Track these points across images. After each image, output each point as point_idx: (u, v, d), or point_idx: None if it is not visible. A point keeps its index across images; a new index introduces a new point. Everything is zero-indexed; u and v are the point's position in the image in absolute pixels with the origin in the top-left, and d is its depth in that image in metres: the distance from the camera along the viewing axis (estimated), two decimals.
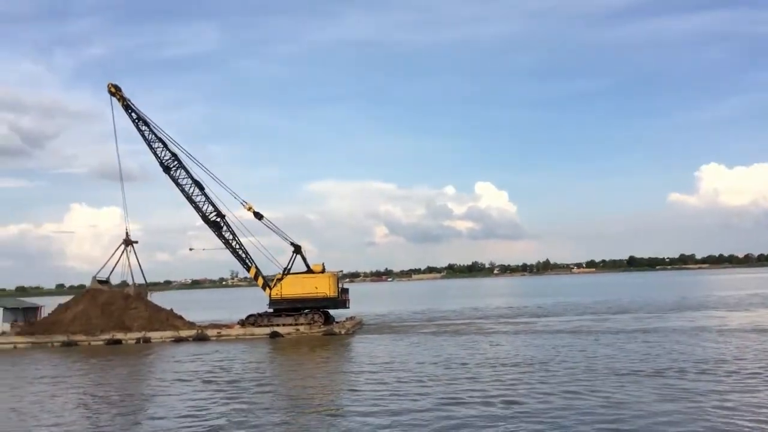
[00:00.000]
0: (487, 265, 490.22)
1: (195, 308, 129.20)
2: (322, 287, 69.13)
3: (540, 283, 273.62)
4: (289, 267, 70.85)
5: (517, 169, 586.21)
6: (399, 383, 34.73)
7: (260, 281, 71.15)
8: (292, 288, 69.03)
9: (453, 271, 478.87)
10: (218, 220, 70.57)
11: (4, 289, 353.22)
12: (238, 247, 70.89)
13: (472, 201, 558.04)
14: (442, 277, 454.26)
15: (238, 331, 66.84)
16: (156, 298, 75.49)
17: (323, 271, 70.97)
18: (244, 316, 70.90)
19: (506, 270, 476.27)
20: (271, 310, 69.50)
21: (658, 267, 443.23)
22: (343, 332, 65.71)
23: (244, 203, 71.13)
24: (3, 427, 28.69)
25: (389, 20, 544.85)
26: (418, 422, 25.80)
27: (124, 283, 74.17)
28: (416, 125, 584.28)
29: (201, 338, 64.40)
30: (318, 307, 69.03)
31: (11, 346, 64.15)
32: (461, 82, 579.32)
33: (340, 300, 70.98)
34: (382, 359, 45.08)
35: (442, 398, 30.09)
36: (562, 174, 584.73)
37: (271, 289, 69.75)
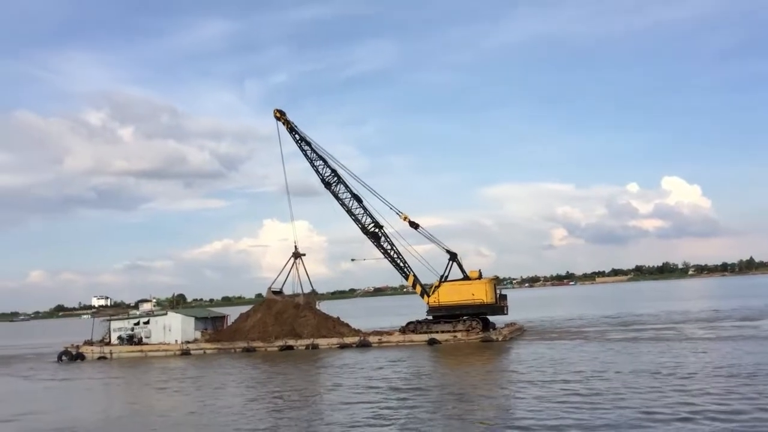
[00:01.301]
0: (680, 266, 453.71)
1: (369, 315, 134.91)
2: (479, 294, 69.26)
3: (744, 283, 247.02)
4: (445, 274, 71.89)
5: (711, 160, 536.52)
6: (594, 394, 32.43)
7: (418, 289, 72.89)
8: (448, 295, 69.95)
9: (641, 272, 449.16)
10: (377, 231, 73.49)
11: (212, 299, 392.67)
12: (396, 256, 73.30)
13: (659, 198, 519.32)
14: (629, 280, 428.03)
15: (398, 338, 69.01)
16: (323, 306, 79.98)
17: (480, 277, 71.15)
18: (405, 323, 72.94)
19: (702, 270, 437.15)
20: (430, 317, 70.97)
21: None
22: (500, 339, 65.28)
23: (399, 213, 73.48)
24: (196, 425, 31.90)
25: (560, 16, 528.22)
26: None
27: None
28: (593, 121, 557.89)
29: (363, 345, 67.40)
30: (476, 314, 69.19)
31: (201, 351, 71.75)
32: (641, 72, 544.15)
33: (498, 306, 70.64)
34: (575, 368, 42.62)
35: (646, 411, 27.70)
36: (764, 162, 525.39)
37: (428, 296, 71.24)
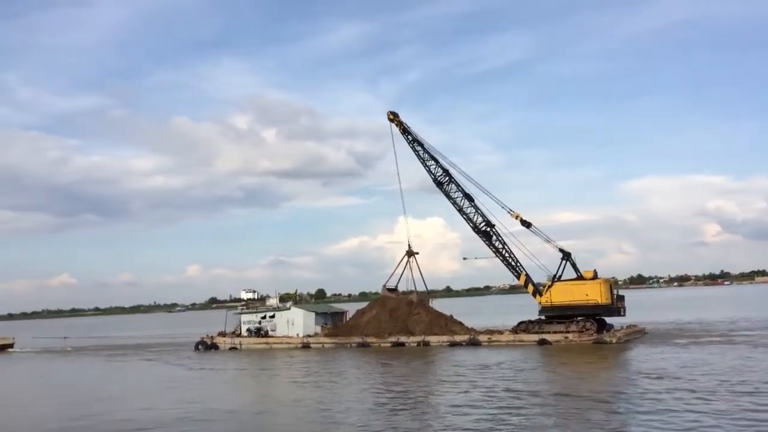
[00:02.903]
0: None
1: (499, 313, 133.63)
2: (593, 294, 67.23)
3: None
4: (558, 274, 70.45)
5: None
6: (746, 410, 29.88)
7: (530, 288, 71.95)
8: (561, 295, 68.54)
9: None
10: (488, 229, 73.40)
11: (350, 294, 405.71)
12: (507, 255, 72.84)
13: None
14: None
15: (507, 337, 68.67)
16: (436, 304, 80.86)
17: (595, 277, 69.04)
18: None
19: None
20: (543, 317, 69.93)
21: None
22: (614, 341, 63.09)
23: (511, 212, 72.99)
24: (314, 413, 34.01)
25: None
26: None
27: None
28: (751, 107, 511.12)
29: (473, 343, 67.78)
30: (590, 315, 67.29)
31: (320, 345, 75.43)
32: None
33: (614, 307, 68.13)
34: (722, 377, 39.46)
35: None
36: None
37: (541, 296, 70.21)
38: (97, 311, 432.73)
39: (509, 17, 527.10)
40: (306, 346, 75.33)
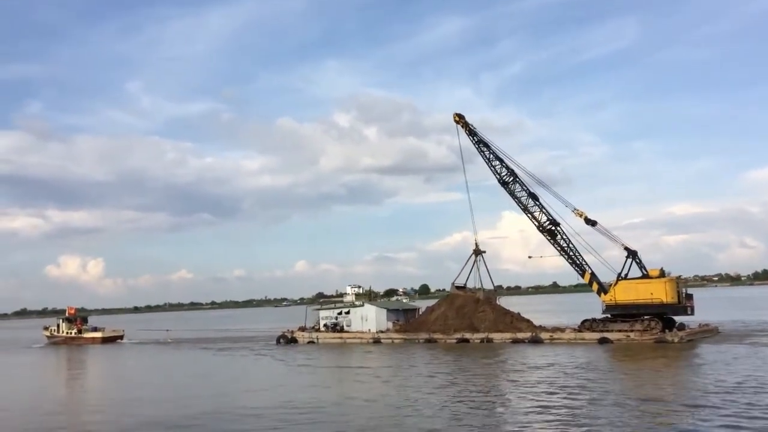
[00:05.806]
0: None
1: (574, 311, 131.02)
2: (658, 293, 66.22)
3: None
4: (624, 272, 69.77)
5: None
6: None
7: (595, 287, 71.63)
8: (625, 294, 67.99)
9: None
10: (553, 228, 73.69)
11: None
12: (572, 253, 72.84)
13: None
14: None
15: (569, 335, 68.91)
16: (503, 301, 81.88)
17: (662, 276, 67.85)
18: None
19: None
20: (608, 316, 69.53)
21: None
22: (675, 341, 61.99)
23: (575, 210, 72.88)
24: (378, 406, 35.72)
25: None
26: None
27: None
28: None
29: (535, 341, 68.53)
30: (655, 314, 66.27)
31: (390, 340, 78.60)
32: None
33: (681, 306, 66.73)
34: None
35: None
36: None
37: (606, 294, 69.80)
38: (213, 305, 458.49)
39: (614, 3, 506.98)
40: (377, 341, 78.68)
